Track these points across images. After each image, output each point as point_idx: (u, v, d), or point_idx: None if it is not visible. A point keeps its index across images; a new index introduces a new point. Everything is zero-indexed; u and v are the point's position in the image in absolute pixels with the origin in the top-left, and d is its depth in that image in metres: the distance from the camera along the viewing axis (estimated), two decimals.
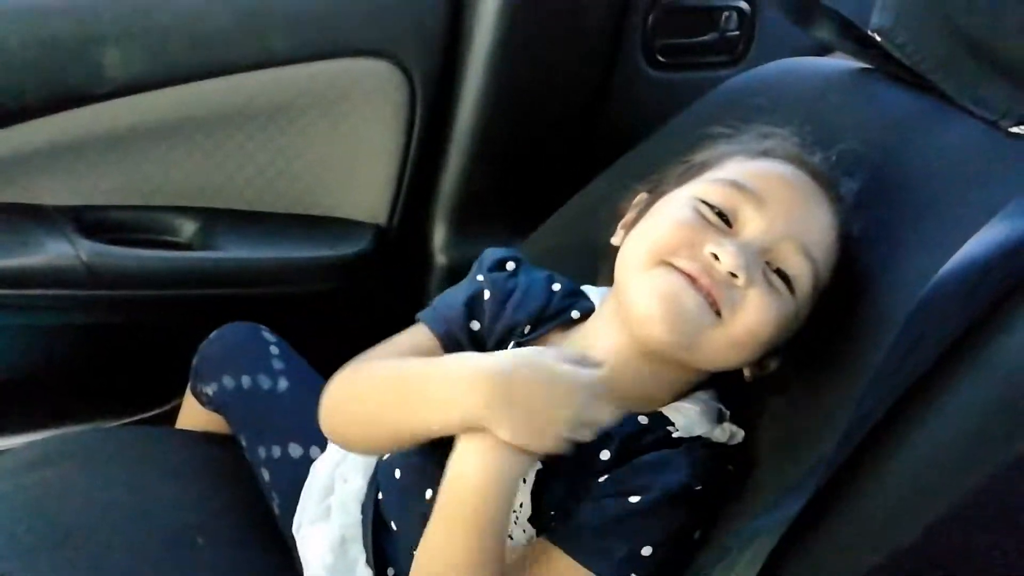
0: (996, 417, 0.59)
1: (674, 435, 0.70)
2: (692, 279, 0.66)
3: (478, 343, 0.77)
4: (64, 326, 1.06)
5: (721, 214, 0.70)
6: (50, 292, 1.00)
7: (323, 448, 0.85)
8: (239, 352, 0.94)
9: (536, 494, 0.69)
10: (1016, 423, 0.59)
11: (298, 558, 0.80)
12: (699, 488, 0.67)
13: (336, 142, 1.09)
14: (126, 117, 1.01)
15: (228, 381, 0.92)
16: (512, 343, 0.75)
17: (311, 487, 0.83)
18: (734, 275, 0.66)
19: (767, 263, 0.68)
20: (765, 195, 0.70)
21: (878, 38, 0.85)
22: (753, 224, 0.69)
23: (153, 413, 1.14)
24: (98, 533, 0.81)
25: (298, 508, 0.82)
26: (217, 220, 1.08)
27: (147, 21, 0.99)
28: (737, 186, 0.70)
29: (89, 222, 1.03)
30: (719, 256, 0.67)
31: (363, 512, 0.77)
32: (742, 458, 0.70)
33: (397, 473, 0.75)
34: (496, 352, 0.68)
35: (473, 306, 0.77)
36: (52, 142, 1.00)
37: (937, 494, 0.60)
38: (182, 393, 1.03)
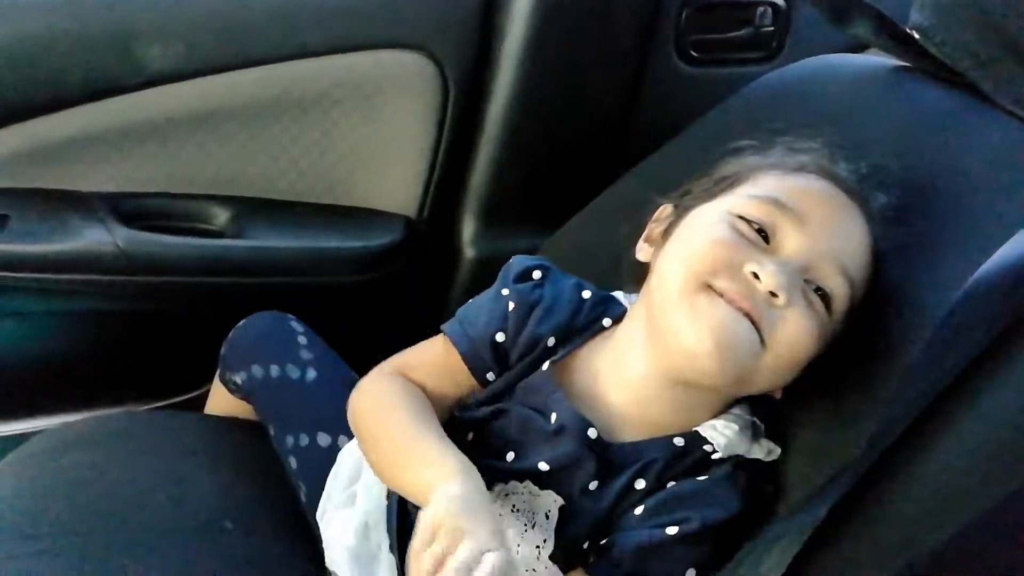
0: (1019, 436, 0.58)
1: (714, 456, 0.69)
2: (734, 303, 0.65)
3: (502, 355, 0.76)
4: (99, 311, 1.08)
5: (760, 230, 0.69)
6: (86, 277, 1.01)
7: (350, 437, 0.85)
8: (268, 341, 0.95)
9: (560, 531, 0.68)
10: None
11: (323, 546, 0.81)
12: (738, 511, 0.67)
13: (368, 134, 1.10)
14: (162, 107, 1.02)
15: (257, 370, 0.93)
16: (546, 362, 0.73)
17: (338, 474, 0.83)
18: (774, 294, 0.65)
19: (806, 281, 0.67)
20: (805, 212, 0.68)
21: (916, 35, 0.84)
22: (793, 242, 0.68)
23: (183, 398, 1.15)
24: (130, 515, 0.82)
25: (323, 495, 0.83)
26: (250, 209, 1.09)
27: (183, 13, 1.00)
28: (777, 203, 0.69)
29: (125, 209, 1.04)
30: (759, 275, 0.66)
31: (388, 498, 0.78)
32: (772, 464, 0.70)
33: None
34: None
35: (496, 320, 0.76)
36: (90, 130, 1.02)
37: (967, 500, 0.59)
38: (211, 379, 1.04)
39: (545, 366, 0.73)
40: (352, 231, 1.12)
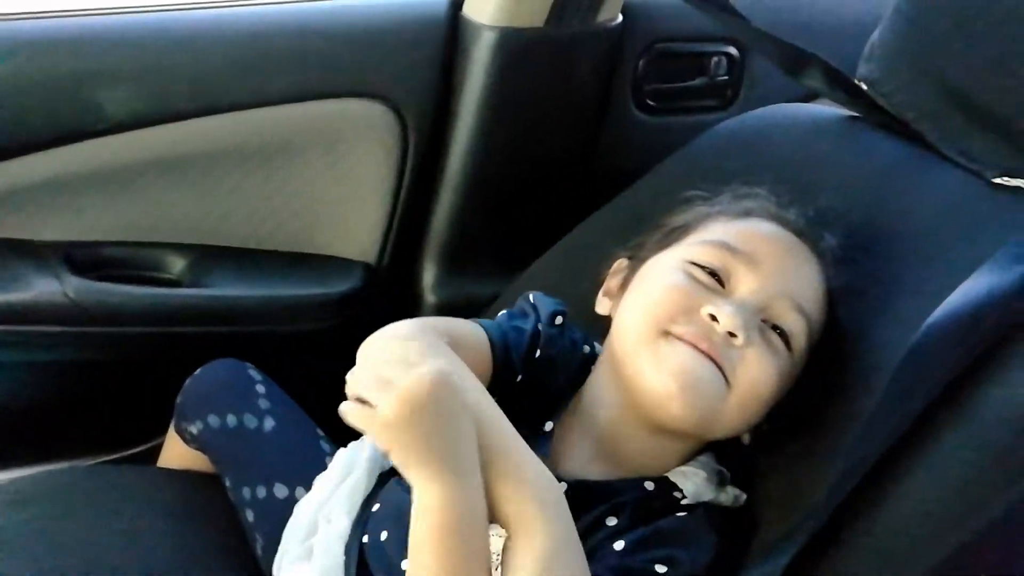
0: (987, 467, 0.59)
1: (683, 502, 0.69)
2: (694, 346, 0.66)
3: (513, 386, 0.75)
4: (49, 362, 1.05)
5: (714, 274, 0.70)
6: (36, 328, 0.99)
7: (308, 488, 0.84)
8: (224, 390, 0.93)
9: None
10: (1006, 474, 0.58)
11: None
12: (715, 555, 0.66)
13: (330, 181, 1.10)
14: (122, 153, 1.01)
15: (213, 420, 0.91)
16: (549, 423, 0.73)
17: (294, 527, 0.81)
18: (732, 335, 0.66)
19: (763, 321, 0.68)
20: (756, 254, 0.70)
21: (864, 87, 0.86)
22: (747, 283, 0.69)
23: (135, 451, 1.12)
24: (85, 573, 0.80)
25: (280, 548, 0.81)
26: (207, 257, 1.08)
27: (146, 59, 1.00)
28: (728, 247, 0.71)
29: (78, 258, 1.02)
30: (717, 317, 0.66)
31: (347, 553, 0.76)
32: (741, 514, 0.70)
33: (383, 535, 0.74)
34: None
35: (528, 353, 0.76)
36: (47, 177, 1.00)
37: (926, 546, 0.59)
38: (165, 431, 1.02)
39: (548, 427, 0.73)
40: (312, 278, 1.11)
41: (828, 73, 0.88)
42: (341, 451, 0.86)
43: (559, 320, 0.78)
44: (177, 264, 1.07)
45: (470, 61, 1.05)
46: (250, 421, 0.90)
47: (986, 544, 0.59)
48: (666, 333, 0.67)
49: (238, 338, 1.07)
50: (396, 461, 0.60)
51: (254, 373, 0.95)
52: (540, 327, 0.77)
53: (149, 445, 1.10)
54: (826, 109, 0.96)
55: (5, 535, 0.84)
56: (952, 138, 0.79)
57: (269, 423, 0.90)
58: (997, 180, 0.76)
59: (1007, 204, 0.75)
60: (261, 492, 0.87)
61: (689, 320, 0.67)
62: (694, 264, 0.70)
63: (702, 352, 0.66)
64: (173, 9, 1.03)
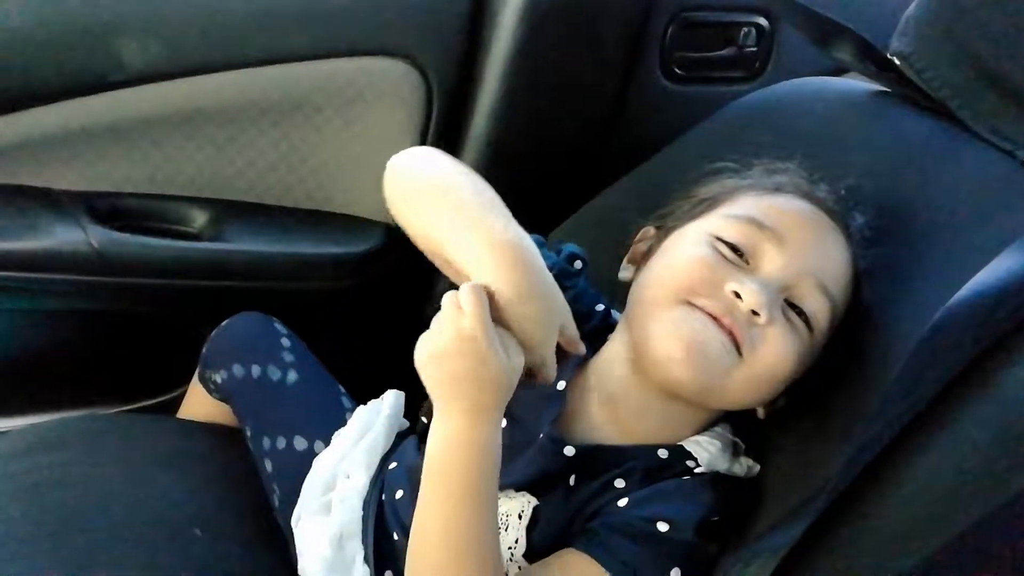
0: (999, 451, 0.59)
1: (696, 470, 0.70)
2: (714, 319, 0.66)
3: None
4: (71, 311, 1.06)
5: (738, 251, 0.69)
6: (58, 277, 0.99)
7: (327, 443, 0.85)
8: (250, 342, 0.94)
9: (532, 528, 0.69)
10: (1017, 460, 0.58)
11: (295, 553, 0.80)
12: (720, 520, 0.67)
13: (350, 140, 1.09)
14: (140, 106, 1.01)
15: (238, 369, 0.92)
16: (562, 381, 0.73)
17: (312, 481, 0.82)
18: (756, 313, 0.66)
19: (786, 301, 0.68)
20: (784, 232, 0.69)
21: (897, 62, 0.85)
22: (772, 261, 0.69)
23: (153, 402, 1.13)
24: (96, 521, 0.81)
25: (299, 501, 0.82)
26: (228, 212, 1.08)
27: (165, 12, 1.00)
28: (755, 223, 0.70)
29: (100, 208, 1.03)
30: (741, 294, 0.66)
31: (364, 508, 0.77)
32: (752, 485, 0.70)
33: (399, 493, 0.76)
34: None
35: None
36: (66, 127, 1.00)
37: (938, 525, 0.59)
38: (184, 383, 1.03)
39: (561, 385, 0.73)
40: (332, 237, 1.11)
41: (859, 46, 0.87)
42: (360, 408, 0.87)
43: (577, 264, 0.79)
44: (198, 218, 1.08)
45: (497, 23, 1.03)
46: (273, 373, 0.91)
47: (1001, 522, 0.59)
48: (687, 303, 0.67)
49: (258, 294, 1.07)
50: (427, 388, 0.63)
51: (280, 327, 0.96)
52: (557, 261, 0.78)
53: (167, 396, 1.12)
54: (855, 83, 0.95)
55: (23, 480, 0.86)
56: (984, 117, 0.77)
57: (292, 376, 0.91)
58: None
59: None
60: (281, 443, 0.88)
61: (712, 295, 0.67)
62: (719, 239, 0.70)
63: (722, 326, 0.66)
64: None
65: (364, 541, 0.75)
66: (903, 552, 0.60)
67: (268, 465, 0.88)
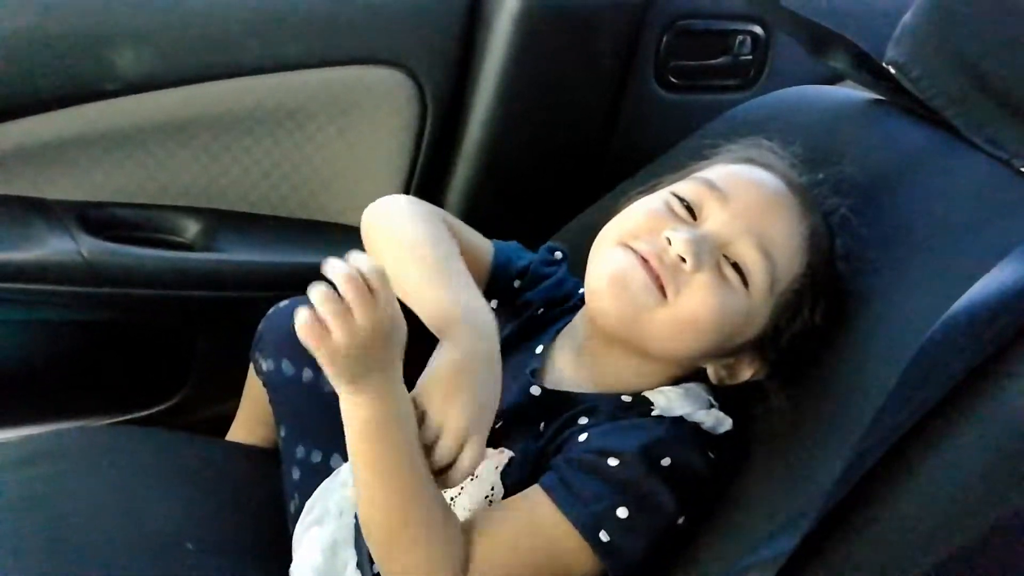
0: (998, 467, 0.58)
1: (652, 412, 0.72)
2: (644, 261, 0.69)
3: (509, 296, 0.83)
4: (63, 322, 1.05)
5: (689, 208, 0.73)
6: (49, 287, 0.99)
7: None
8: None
9: (506, 474, 0.71)
10: (1016, 476, 0.58)
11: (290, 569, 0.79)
12: (674, 462, 0.67)
13: (344, 149, 1.09)
14: (135, 115, 1.01)
15: (287, 366, 0.88)
16: (540, 345, 0.78)
17: (316, 495, 0.82)
18: (683, 259, 0.69)
19: (724, 256, 0.70)
20: (731, 192, 0.73)
21: (892, 71, 0.85)
22: (714, 217, 0.72)
23: (147, 413, 1.13)
24: (87, 534, 0.80)
25: (303, 512, 0.82)
26: (221, 222, 1.08)
27: (160, 21, 0.99)
28: (707, 183, 0.74)
29: (92, 218, 1.02)
30: (672, 240, 0.69)
31: (356, 516, 0.77)
32: (736, 492, 0.70)
33: None
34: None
35: (523, 271, 0.83)
36: (60, 136, 1.00)
37: (934, 543, 0.59)
38: (177, 393, 1.02)
39: (539, 349, 0.77)
40: (324, 247, 1.08)
41: (854, 55, 0.87)
42: None
43: (557, 255, 0.86)
44: (190, 228, 1.07)
45: (491, 32, 1.03)
46: (326, 383, 0.87)
47: (1000, 539, 0.58)
48: (625, 245, 0.71)
49: (250, 304, 1.06)
50: (329, 376, 0.62)
51: None
52: (536, 256, 0.85)
53: (160, 408, 1.11)
54: (851, 92, 0.95)
55: (16, 492, 0.85)
56: (980, 125, 0.77)
57: None
58: None
59: None
60: (316, 457, 0.86)
61: (649, 240, 0.70)
62: (674, 195, 0.73)
63: (650, 268, 0.69)
64: None
65: (356, 547, 0.75)
66: (900, 567, 0.59)
67: (295, 472, 0.86)
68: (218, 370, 1.08)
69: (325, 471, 0.85)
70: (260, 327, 0.91)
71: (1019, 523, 0.59)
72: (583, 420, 0.72)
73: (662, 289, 0.69)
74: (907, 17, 0.85)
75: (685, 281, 0.69)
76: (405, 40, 1.05)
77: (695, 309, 0.69)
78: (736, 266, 0.70)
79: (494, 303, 0.81)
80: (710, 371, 0.75)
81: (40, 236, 0.98)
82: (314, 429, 0.87)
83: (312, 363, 0.84)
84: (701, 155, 0.81)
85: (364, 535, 0.67)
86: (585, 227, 0.98)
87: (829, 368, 0.71)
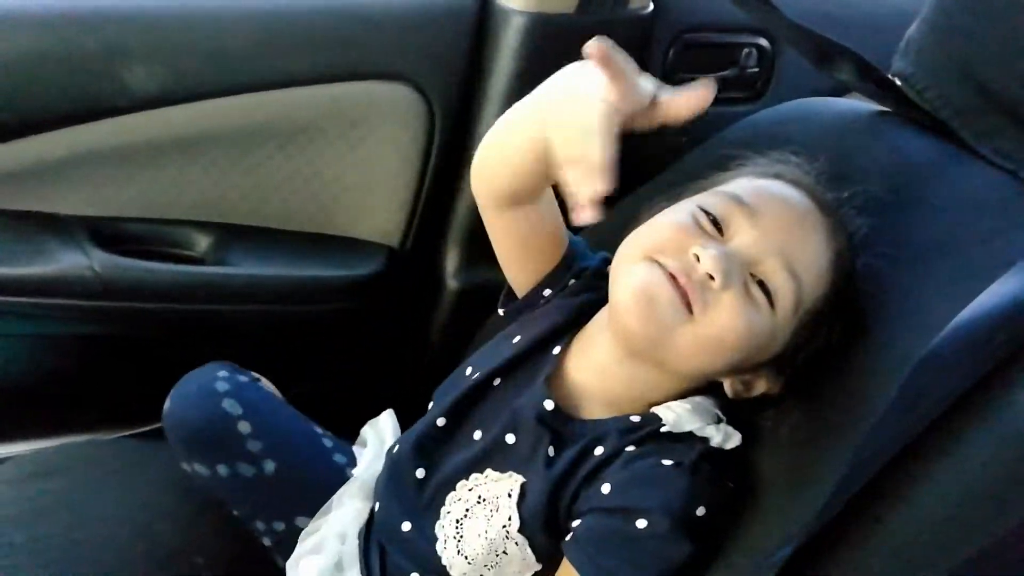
0: (1005, 479, 0.58)
1: (662, 429, 0.71)
2: (672, 277, 0.68)
3: (561, 290, 0.81)
4: (73, 336, 1.06)
5: (716, 222, 0.71)
6: (61, 302, 0.99)
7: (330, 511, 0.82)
8: (204, 437, 0.83)
9: (522, 504, 0.71)
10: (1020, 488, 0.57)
11: None
12: (702, 513, 0.67)
13: (353, 163, 1.10)
14: (145, 131, 1.02)
15: (201, 468, 0.83)
16: (557, 347, 0.78)
17: (308, 529, 0.81)
18: (711, 277, 0.68)
19: (751, 275, 0.69)
20: (760, 209, 0.71)
21: (898, 82, 0.85)
22: (743, 235, 0.71)
23: (155, 427, 1.12)
24: (97, 548, 0.81)
25: (294, 552, 0.81)
26: (231, 236, 1.08)
27: (170, 38, 1.00)
28: (735, 198, 0.72)
29: (104, 233, 1.03)
30: (700, 257, 0.68)
31: (359, 537, 0.77)
32: (747, 504, 0.69)
33: (406, 526, 0.76)
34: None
35: (582, 271, 0.82)
36: (71, 153, 1.01)
37: (945, 549, 0.59)
38: None
39: (556, 349, 0.76)
40: (334, 260, 1.11)
41: (860, 66, 0.86)
42: (362, 450, 0.85)
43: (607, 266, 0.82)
44: (201, 242, 1.08)
45: (499, 46, 1.04)
46: (246, 470, 0.82)
47: (1008, 550, 0.58)
48: (652, 260, 0.69)
49: (260, 318, 1.08)
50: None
51: (231, 406, 0.83)
52: (594, 260, 0.83)
53: None
54: (857, 103, 0.95)
55: (26, 506, 0.86)
56: (985, 136, 0.77)
57: (270, 466, 0.83)
58: None
59: None
60: (279, 526, 0.84)
61: (676, 255, 0.69)
62: (701, 209, 0.72)
63: (677, 284, 0.68)
64: None
65: (365, 566, 0.75)
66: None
67: (266, 541, 0.85)
68: None
69: (293, 533, 0.82)
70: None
71: None
72: (598, 451, 0.71)
73: (688, 306, 0.68)
74: (912, 29, 0.85)
75: (712, 299, 0.68)
76: (413, 55, 1.06)
77: (721, 327, 0.68)
78: (762, 285, 0.69)
79: (548, 292, 0.81)
80: (727, 385, 0.74)
81: (53, 251, 0.99)
82: (263, 507, 0.84)
83: (221, 460, 0.82)
84: (722, 165, 0.80)
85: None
86: (593, 240, 0.98)
87: (838, 380, 0.70)
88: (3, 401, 1.07)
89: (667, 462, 0.69)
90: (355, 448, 0.87)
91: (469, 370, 0.81)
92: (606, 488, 0.69)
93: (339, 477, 0.85)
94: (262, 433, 0.83)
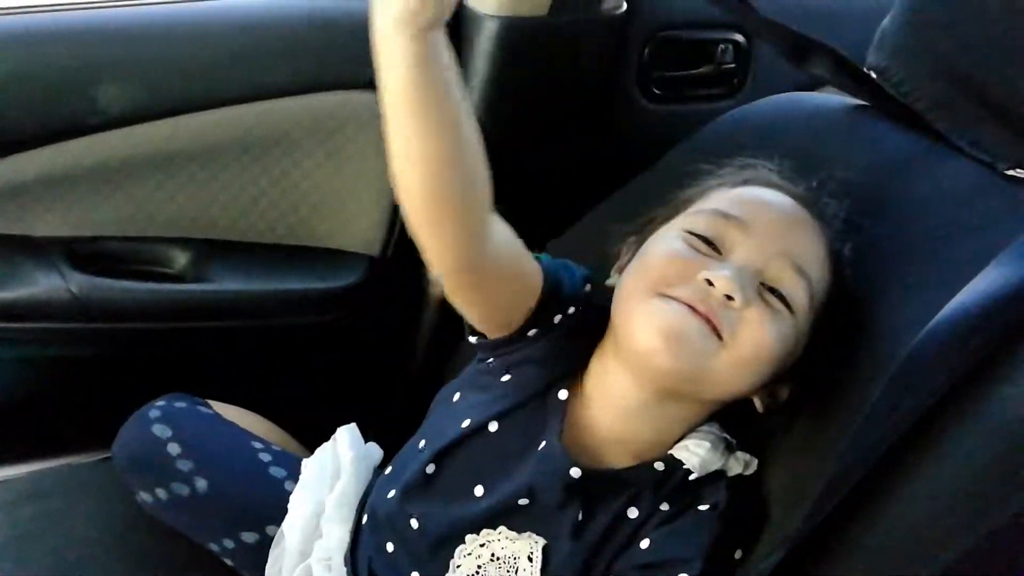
0: (992, 475, 0.58)
1: (692, 477, 0.70)
2: (690, 307, 0.66)
3: (548, 330, 0.74)
4: (54, 358, 1.05)
5: (710, 242, 0.70)
6: (39, 325, 0.99)
7: (279, 522, 0.80)
8: (139, 464, 0.86)
9: (545, 571, 0.69)
10: (1012, 483, 0.57)
11: None
12: (739, 556, 0.68)
13: (330, 173, 1.09)
14: (119, 148, 1.00)
15: (145, 496, 0.85)
16: (563, 390, 0.74)
17: (289, 550, 0.79)
18: (730, 297, 0.67)
19: (761, 284, 0.69)
20: (749, 219, 0.71)
21: (874, 76, 0.85)
22: (741, 247, 0.70)
23: None
24: (92, 570, 0.80)
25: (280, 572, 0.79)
26: (209, 251, 1.07)
27: (142, 54, 0.99)
28: (721, 214, 0.71)
29: (80, 253, 1.02)
30: (713, 281, 0.67)
31: (346, 563, 0.76)
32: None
33: (389, 546, 0.74)
34: None
35: (567, 305, 0.75)
36: (45, 173, 0.99)
37: (934, 548, 0.58)
38: None
39: (563, 394, 0.73)
40: (314, 271, 1.10)
41: (835, 61, 0.86)
42: (307, 462, 0.83)
43: (587, 288, 0.78)
44: (179, 259, 1.07)
45: (473, 51, 1.03)
46: (180, 489, 0.83)
47: (996, 548, 0.58)
48: (662, 294, 0.68)
49: (242, 333, 1.07)
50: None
51: (161, 429, 0.85)
52: (577, 282, 0.76)
53: None
54: (835, 98, 0.95)
55: (9, 533, 0.85)
56: (963, 129, 0.77)
57: (201, 484, 0.83)
58: (1010, 172, 0.74)
59: (1020, 196, 0.73)
60: (229, 544, 0.83)
61: (686, 284, 0.68)
62: (691, 233, 0.71)
63: (698, 313, 0.66)
64: (169, 2, 1.02)
65: None
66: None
67: (228, 561, 0.84)
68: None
69: (245, 548, 0.82)
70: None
71: (1020, 527, 0.59)
72: (633, 513, 0.69)
73: (717, 332, 0.66)
74: (886, 22, 0.85)
75: (737, 319, 0.67)
76: None
77: (753, 344, 0.67)
78: (775, 291, 0.69)
79: (534, 331, 0.74)
80: (757, 401, 0.73)
81: (29, 274, 0.98)
82: (207, 527, 0.84)
83: (157, 483, 0.83)
84: (687, 179, 0.79)
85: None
86: (577, 240, 0.98)
87: (828, 383, 0.70)
88: None
89: (702, 508, 0.69)
90: (306, 460, 0.84)
91: (459, 407, 0.77)
92: (645, 543, 0.68)
93: (276, 490, 0.83)
94: (191, 453, 0.84)
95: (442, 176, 0.63)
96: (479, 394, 0.76)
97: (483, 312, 0.73)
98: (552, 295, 0.73)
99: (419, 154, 0.62)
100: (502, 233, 0.69)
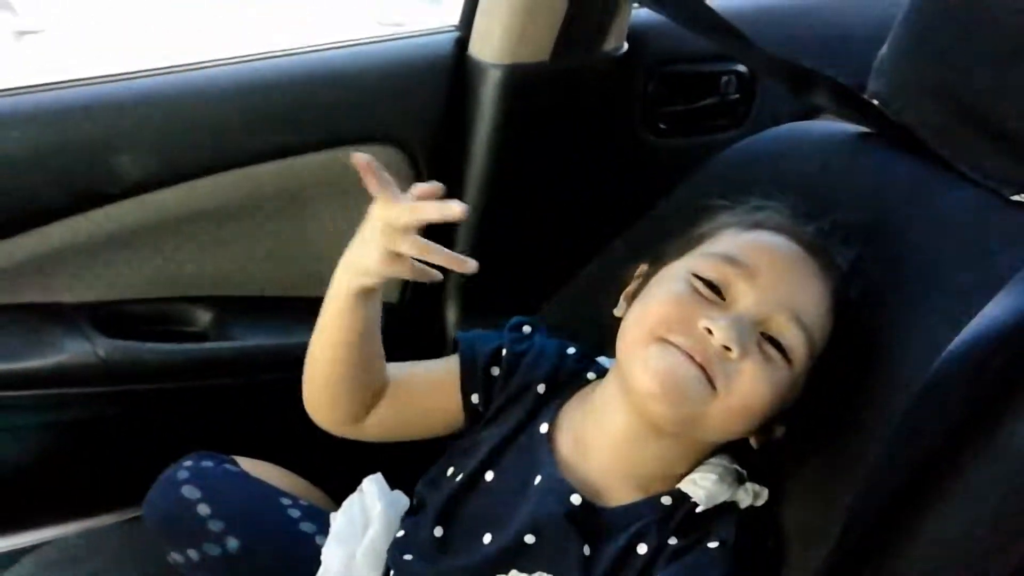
0: (1014, 504, 0.57)
1: (698, 510, 0.70)
2: (688, 355, 0.67)
3: (489, 387, 0.80)
4: (86, 420, 1.07)
5: (715, 287, 0.71)
6: (69, 391, 1.01)
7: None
8: (169, 526, 0.86)
9: None
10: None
11: None
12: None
13: (346, 226, 1.08)
14: (139, 214, 1.03)
15: (177, 556, 0.85)
16: (544, 424, 0.78)
17: None
18: (728, 348, 0.67)
19: (761, 334, 0.69)
20: (756, 267, 0.71)
21: (875, 103, 0.85)
22: (745, 297, 0.70)
23: None
24: None
25: None
26: (231, 308, 1.09)
27: (156, 122, 1.02)
28: (729, 259, 0.72)
29: (105, 317, 1.04)
30: (712, 330, 0.68)
31: None
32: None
33: None
34: None
35: (493, 356, 0.81)
36: (68, 243, 1.02)
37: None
38: None
39: (544, 428, 0.75)
40: None
41: (836, 91, 0.87)
42: (336, 515, 0.84)
43: (526, 328, 0.84)
44: (203, 318, 1.09)
45: (478, 100, 1.05)
46: (212, 549, 0.83)
47: None
48: (661, 339, 0.69)
49: (265, 387, 1.08)
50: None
51: (190, 491, 0.86)
52: (505, 333, 0.83)
53: None
54: (841, 126, 0.95)
55: None
56: (965, 155, 0.77)
57: (232, 543, 0.83)
58: (1015, 198, 0.74)
59: None
60: None
61: (686, 332, 0.68)
62: (696, 276, 0.71)
63: (695, 362, 0.67)
64: (178, 70, 1.04)
65: None
66: None
67: None
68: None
69: None
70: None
71: None
72: (642, 549, 0.70)
73: (711, 381, 0.68)
74: (884, 49, 0.85)
75: (733, 370, 0.68)
76: (395, 117, 1.07)
77: (746, 395, 0.68)
78: (774, 341, 0.69)
79: (475, 397, 0.80)
80: (752, 439, 0.73)
81: (57, 341, 1.00)
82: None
83: (189, 544, 0.84)
84: (697, 216, 0.80)
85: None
86: (587, 283, 0.99)
87: (840, 414, 0.70)
88: (21, 491, 1.07)
89: (712, 544, 0.69)
90: (334, 513, 0.85)
91: (451, 470, 0.80)
92: None
93: (306, 545, 0.84)
94: (222, 512, 0.84)
95: (341, 383, 0.80)
96: (465, 458, 0.79)
97: (414, 430, 0.83)
98: (468, 363, 0.81)
99: (326, 362, 0.82)
100: (397, 385, 0.83)
